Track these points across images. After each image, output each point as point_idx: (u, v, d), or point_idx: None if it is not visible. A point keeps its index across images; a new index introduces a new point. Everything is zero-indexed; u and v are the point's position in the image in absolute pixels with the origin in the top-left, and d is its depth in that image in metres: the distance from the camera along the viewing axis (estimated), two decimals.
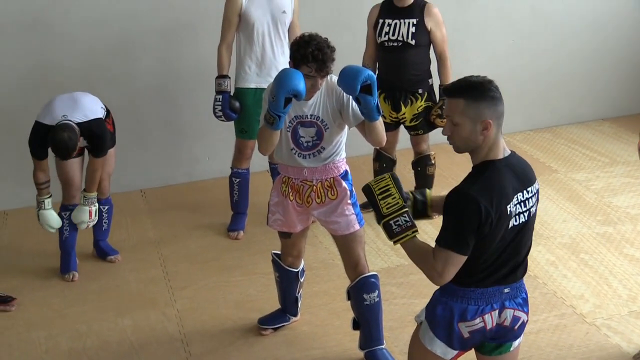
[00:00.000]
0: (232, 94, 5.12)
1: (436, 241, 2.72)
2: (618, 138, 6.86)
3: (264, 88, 4.97)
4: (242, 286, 4.76)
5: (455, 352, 2.87)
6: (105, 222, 5.06)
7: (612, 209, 5.56)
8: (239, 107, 5.10)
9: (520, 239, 2.77)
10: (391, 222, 2.85)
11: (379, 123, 3.60)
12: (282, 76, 3.42)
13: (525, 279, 2.81)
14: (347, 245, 3.86)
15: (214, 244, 5.31)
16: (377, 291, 3.87)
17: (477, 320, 2.79)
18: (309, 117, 3.66)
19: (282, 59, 5.05)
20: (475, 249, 2.69)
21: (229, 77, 5.10)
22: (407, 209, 2.87)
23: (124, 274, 4.96)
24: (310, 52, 3.46)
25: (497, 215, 2.63)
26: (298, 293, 4.24)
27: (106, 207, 5.02)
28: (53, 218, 4.74)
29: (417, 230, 2.84)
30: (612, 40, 7.09)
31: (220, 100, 5.07)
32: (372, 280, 3.85)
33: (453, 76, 5.28)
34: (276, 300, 4.39)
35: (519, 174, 2.73)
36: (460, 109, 2.69)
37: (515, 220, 2.71)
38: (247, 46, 5.05)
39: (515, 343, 2.95)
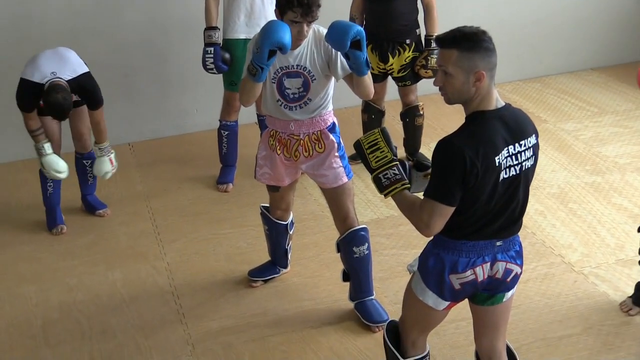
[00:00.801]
0: (220, 45, 5.06)
1: (424, 192, 2.73)
2: (607, 88, 6.84)
3: (250, 38, 4.94)
4: (231, 239, 4.77)
5: (447, 302, 2.89)
6: (90, 177, 5.03)
7: (600, 159, 5.57)
8: (229, 59, 5.05)
9: (512, 192, 2.74)
10: (380, 175, 2.86)
11: (367, 77, 3.57)
12: (268, 28, 3.37)
13: None
14: (335, 198, 3.86)
15: (203, 196, 5.30)
16: (366, 244, 3.88)
17: (468, 272, 2.79)
18: (294, 67, 3.62)
19: (270, 9, 4.96)
20: (464, 200, 2.68)
21: (219, 29, 5.04)
22: (396, 162, 2.86)
23: (114, 228, 4.95)
24: None
25: (484, 166, 2.61)
26: (287, 245, 4.25)
27: (89, 162, 4.97)
28: (59, 162, 4.66)
29: (407, 183, 2.84)
30: None
31: (212, 52, 5.00)
32: (362, 233, 3.86)
33: (442, 27, 5.21)
34: (266, 252, 4.41)
35: (511, 126, 2.70)
36: (453, 59, 2.65)
37: (506, 173, 2.68)
38: None
39: (508, 294, 2.96)
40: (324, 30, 3.54)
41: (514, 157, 2.69)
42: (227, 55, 5.04)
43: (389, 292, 4.11)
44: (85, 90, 4.59)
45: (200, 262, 4.55)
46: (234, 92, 5.14)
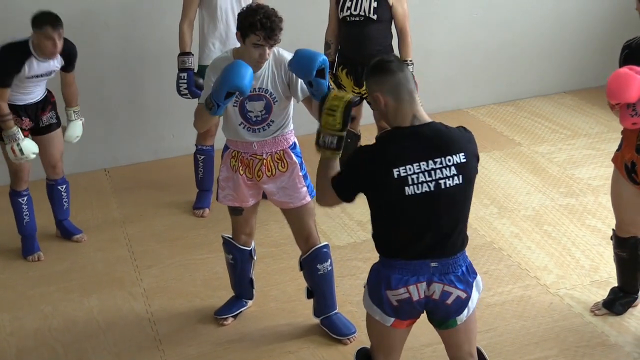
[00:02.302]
0: (195, 70, 5.07)
1: (332, 177, 2.93)
2: (580, 110, 6.92)
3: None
4: (208, 264, 4.75)
5: (392, 319, 2.93)
6: (65, 202, 5.00)
7: (574, 181, 5.63)
8: (202, 84, 5.06)
9: (430, 209, 2.78)
10: (321, 134, 2.98)
11: None
12: (229, 70, 3.34)
13: (489, 251, 2.86)
14: (298, 218, 3.90)
15: (180, 222, 5.28)
16: (329, 260, 3.95)
17: (402, 290, 2.85)
18: (256, 90, 3.63)
19: None
20: (379, 214, 2.85)
21: (192, 54, 5.06)
22: (339, 134, 2.94)
23: (90, 254, 4.92)
24: (258, 20, 3.44)
25: (380, 174, 2.75)
26: (252, 274, 4.21)
27: (64, 186, 4.95)
28: (33, 144, 4.57)
29: (338, 153, 2.97)
30: (573, 14, 7.12)
31: (185, 78, 5.03)
32: (324, 250, 3.93)
33: (417, 52, 5.29)
34: None
35: (426, 143, 2.77)
36: (367, 90, 2.95)
37: (417, 189, 2.74)
38: (210, 24, 5.02)
39: (462, 317, 2.94)
40: (283, 52, 3.62)
41: (426, 173, 2.75)
42: (200, 81, 5.05)
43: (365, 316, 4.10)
44: (70, 52, 4.63)
45: (177, 287, 4.53)
46: (212, 116, 5.13)
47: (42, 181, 4.96)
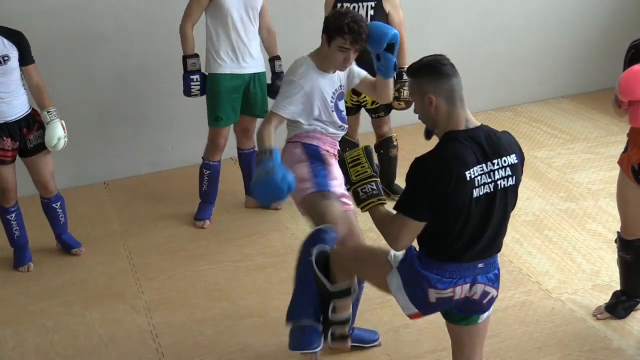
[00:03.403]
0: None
1: (394, 207, 2.82)
2: (578, 115, 6.93)
3: (238, 74, 5.00)
4: (209, 275, 4.75)
5: (415, 310, 2.94)
6: (61, 217, 4.96)
7: (574, 185, 5.63)
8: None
9: (488, 211, 2.79)
10: (359, 189, 2.98)
11: (391, 81, 3.70)
12: (267, 193, 3.35)
13: None
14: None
15: (180, 234, 5.28)
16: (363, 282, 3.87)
17: (448, 290, 2.86)
18: (340, 87, 3.72)
19: (255, 44, 5.04)
20: (442, 218, 2.75)
21: (199, 56, 5.04)
22: (375, 179, 2.98)
23: (90, 268, 4.91)
24: (346, 24, 3.44)
25: (454, 181, 2.69)
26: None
27: (58, 203, 4.90)
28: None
29: (383, 199, 2.95)
30: (570, 19, 7.15)
31: (198, 80, 5.01)
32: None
33: (416, 57, 5.28)
34: (245, 288, 4.41)
35: (483, 145, 2.78)
36: (410, 87, 2.89)
37: (481, 191, 2.75)
38: (221, 32, 4.96)
39: (484, 316, 3.00)
40: None
41: (487, 175, 2.76)
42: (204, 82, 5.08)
43: (368, 325, 4.09)
44: (19, 39, 4.50)
45: (179, 299, 4.52)
46: (219, 128, 5.12)
47: (38, 195, 4.94)
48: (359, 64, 3.83)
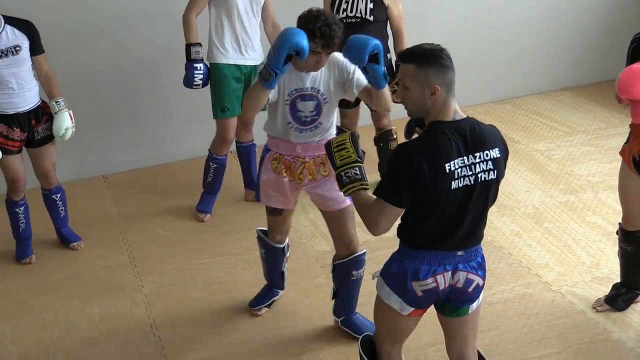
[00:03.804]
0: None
1: (374, 192, 2.83)
2: (577, 107, 6.92)
3: (241, 65, 4.98)
4: (209, 269, 4.75)
5: (411, 309, 2.95)
6: (62, 210, 4.97)
7: (573, 178, 5.63)
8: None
9: (468, 203, 2.80)
10: (342, 173, 2.98)
11: (386, 89, 3.59)
12: (286, 33, 3.32)
13: (490, 250, 2.90)
14: (339, 221, 3.87)
15: (180, 227, 5.27)
16: (364, 267, 3.96)
17: (430, 280, 2.87)
18: (309, 89, 3.62)
19: (256, 37, 5.04)
20: (420, 207, 2.78)
21: (202, 45, 5.01)
22: (359, 164, 2.98)
23: (90, 261, 4.91)
24: (318, 28, 3.40)
25: (432, 170, 2.70)
26: (284, 267, 4.23)
27: (59, 195, 4.91)
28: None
29: (366, 184, 2.95)
30: (569, 11, 7.13)
31: (202, 68, 4.96)
32: (363, 257, 3.93)
33: None
34: (244, 281, 4.40)
35: (467, 138, 2.78)
36: (410, 73, 2.79)
37: (460, 182, 2.76)
38: (225, 22, 4.93)
39: (473, 306, 3.01)
40: (336, 53, 3.59)
41: (467, 167, 2.77)
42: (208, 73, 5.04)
43: (367, 317, 4.09)
44: (29, 29, 4.53)
45: (179, 293, 4.53)
46: (226, 118, 5.09)
47: (38, 189, 4.94)
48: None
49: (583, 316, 4.09)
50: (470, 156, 2.77)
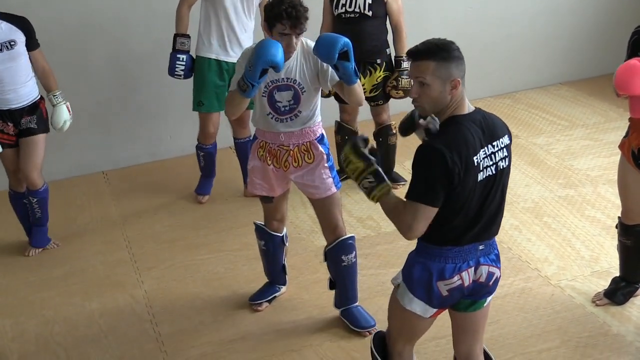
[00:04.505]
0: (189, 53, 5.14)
1: (406, 195, 2.76)
2: (576, 101, 6.92)
3: (224, 61, 5.04)
4: (209, 264, 4.75)
5: (434, 310, 2.93)
6: (37, 211, 4.86)
7: (572, 172, 5.63)
8: (193, 70, 5.16)
9: (488, 193, 2.80)
10: (360, 186, 2.91)
11: (357, 85, 3.66)
12: (262, 46, 3.41)
13: None
14: (325, 208, 3.92)
15: (179, 223, 5.28)
16: (354, 252, 3.97)
17: (455, 277, 2.84)
18: (285, 80, 3.67)
19: (246, 35, 5.07)
20: (448, 204, 2.73)
21: (190, 37, 5.07)
22: (370, 168, 2.87)
23: (90, 258, 4.92)
24: (283, 9, 3.48)
25: (464, 166, 2.68)
26: (284, 260, 4.25)
27: (35, 199, 4.80)
28: None
29: (384, 186, 2.84)
30: (567, 5, 7.12)
31: (184, 60, 5.06)
32: (350, 242, 3.95)
33: (414, 44, 5.27)
34: (244, 277, 4.40)
35: (484, 128, 2.78)
36: (430, 70, 2.73)
37: (484, 174, 2.75)
38: (212, 17, 5.00)
39: (489, 299, 3.01)
40: (311, 43, 3.63)
41: (489, 157, 2.77)
42: (193, 65, 5.14)
43: (368, 312, 4.10)
44: (24, 24, 4.55)
45: (178, 289, 4.53)
46: (203, 112, 5.20)
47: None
48: None
49: (582, 310, 4.10)
50: (490, 146, 2.77)
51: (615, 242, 4.12)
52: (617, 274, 4.15)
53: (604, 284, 4.23)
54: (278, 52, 3.40)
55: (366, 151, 2.92)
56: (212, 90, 5.09)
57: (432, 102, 2.77)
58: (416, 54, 2.78)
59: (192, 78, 5.17)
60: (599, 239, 4.75)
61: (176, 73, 5.10)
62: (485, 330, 3.67)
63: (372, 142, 3.00)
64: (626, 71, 3.40)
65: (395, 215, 2.80)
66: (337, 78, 3.66)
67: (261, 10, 4.99)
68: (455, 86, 2.74)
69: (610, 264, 4.43)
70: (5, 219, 5.15)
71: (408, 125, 3.07)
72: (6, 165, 4.78)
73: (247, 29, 5.06)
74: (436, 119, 2.88)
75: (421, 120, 3.02)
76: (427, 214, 2.72)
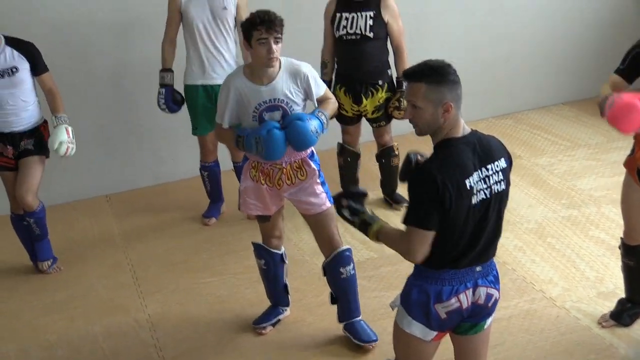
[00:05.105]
0: (172, 86, 5.21)
1: (402, 221, 2.79)
2: (578, 121, 6.93)
3: (209, 85, 5.12)
4: (212, 287, 4.73)
5: (435, 333, 2.91)
6: (36, 229, 4.85)
7: (576, 192, 5.62)
8: (180, 100, 5.25)
9: (484, 216, 2.79)
10: (362, 231, 2.99)
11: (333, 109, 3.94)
12: (269, 147, 3.64)
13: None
14: (320, 224, 3.95)
15: (182, 246, 5.27)
16: (352, 264, 3.99)
17: (453, 300, 2.84)
18: (272, 101, 3.73)
19: (227, 55, 5.13)
20: (443, 227, 2.73)
21: (172, 71, 5.18)
22: (362, 219, 2.97)
23: (93, 281, 4.90)
24: (257, 16, 3.60)
25: (456, 188, 2.68)
26: (285, 279, 4.25)
27: (31, 220, 4.78)
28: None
29: (372, 230, 2.92)
30: (567, 25, 7.14)
31: (163, 93, 5.18)
32: (347, 253, 3.98)
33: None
34: (248, 299, 4.38)
35: (478, 151, 2.78)
36: (422, 92, 2.74)
37: (478, 197, 2.75)
38: (190, 44, 5.12)
39: (489, 321, 3.00)
40: (294, 61, 3.77)
41: (482, 181, 2.76)
42: (178, 97, 5.22)
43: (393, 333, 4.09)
44: (33, 51, 4.60)
45: (182, 312, 4.51)
46: (198, 135, 5.34)
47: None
48: None
49: (588, 332, 4.08)
50: (484, 169, 2.76)
51: (620, 262, 4.10)
52: (623, 295, 4.14)
53: (610, 305, 4.21)
54: (281, 151, 3.67)
55: (346, 211, 3.01)
56: (202, 114, 5.20)
57: (425, 124, 2.78)
58: (409, 75, 2.80)
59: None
60: (603, 259, 4.73)
61: (160, 106, 5.24)
62: (491, 352, 3.66)
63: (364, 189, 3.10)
64: (618, 114, 3.40)
65: (396, 245, 2.86)
66: (320, 93, 3.83)
67: (238, 29, 5.05)
68: (447, 110, 2.73)
69: (615, 285, 4.41)
70: (8, 243, 5.14)
71: (407, 170, 3.06)
72: (8, 189, 4.80)
73: (226, 48, 5.12)
74: (424, 154, 2.94)
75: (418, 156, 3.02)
76: (426, 237, 2.74)
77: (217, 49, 5.08)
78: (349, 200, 3.02)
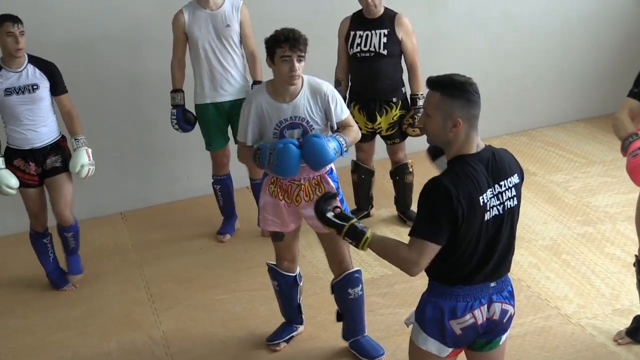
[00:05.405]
0: (183, 106, 5.25)
1: (410, 233, 2.76)
2: (593, 138, 6.91)
3: (219, 102, 5.17)
4: (226, 304, 4.74)
5: (450, 349, 2.90)
6: (72, 243, 4.97)
7: (591, 209, 5.60)
8: (193, 119, 5.29)
9: (497, 232, 2.79)
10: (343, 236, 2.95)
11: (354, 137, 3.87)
12: (281, 163, 3.63)
13: None
14: (332, 242, 3.93)
15: (197, 262, 5.28)
16: (360, 285, 4.00)
17: (468, 316, 2.82)
18: (293, 119, 3.74)
19: (234, 72, 5.15)
20: (456, 243, 2.72)
21: (182, 91, 5.22)
22: (344, 231, 2.91)
23: (107, 298, 4.92)
24: (281, 33, 3.60)
25: (469, 205, 2.67)
26: (300, 300, 4.25)
27: (70, 233, 4.91)
28: (11, 177, 4.58)
29: (365, 239, 2.86)
30: (582, 42, 7.15)
31: (175, 114, 5.22)
32: (356, 275, 3.98)
33: None
34: (262, 317, 4.38)
35: (491, 168, 2.77)
36: (434, 101, 2.75)
37: (491, 213, 2.74)
38: (196, 63, 5.17)
39: (504, 337, 2.98)
40: (317, 80, 3.76)
41: (496, 197, 2.76)
42: (189, 116, 5.26)
43: (386, 352, 4.07)
44: (53, 70, 4.65)
45: (196, 329, 4.51)
46: (212, 151, 5.39)
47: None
48: None
49: (604, 349, 4.05)
50: (497, 185, 2.76)
51: (635, 279, 4.08)
52: (639, 312, 4.11)
53: (626, 322, 4.18)
54: (295, 166, 3.64)
55: (331, 214, 2.97)
56: (215, 130, 5.25)
57: (433, 135, 2.79)
58: (430, 82, 2.80)
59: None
60: (619, 276, 4.70)
61: (173, 126, 5.29)
62: None
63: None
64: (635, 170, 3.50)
65: (392, 254, 2.80)
66: (342, 117, 3.80)
67: (244, 41, 5.14)
68: (455, 125, 2.71)
69: (631, 302, 4.38)
70: (22, 261, 5.17)
71: (437, 148, 3.05)
72: (29, 206, 4.80)
73: (232, 64, 5.14)
74: None
75: None
76: (432, 251, 2.72)
77: (224, 67, 5.11)
78: (333, 206, 3.00)
